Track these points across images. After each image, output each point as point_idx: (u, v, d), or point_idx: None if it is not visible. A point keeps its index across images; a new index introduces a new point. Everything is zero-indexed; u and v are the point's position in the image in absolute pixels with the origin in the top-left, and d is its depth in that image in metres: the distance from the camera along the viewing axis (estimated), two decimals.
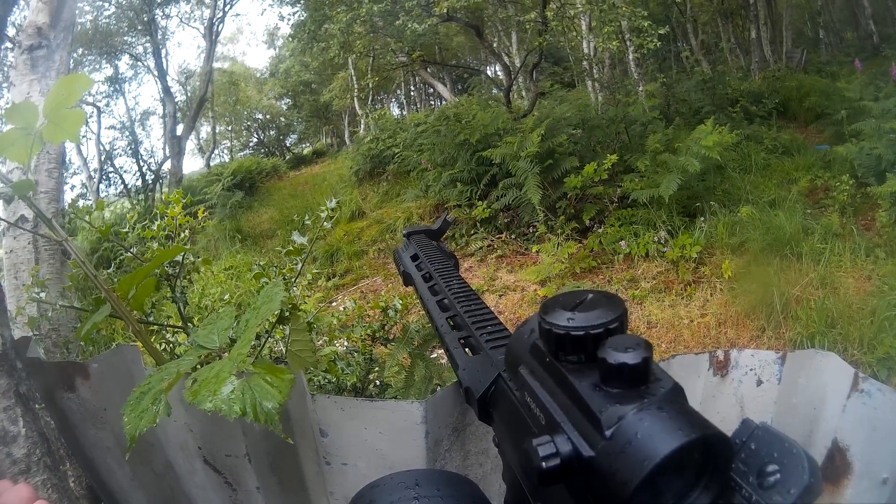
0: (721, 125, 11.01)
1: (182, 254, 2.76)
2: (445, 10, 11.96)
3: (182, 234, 2.98)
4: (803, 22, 29.45)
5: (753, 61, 21.74)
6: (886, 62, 13.64)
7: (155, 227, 2.92)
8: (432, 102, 37.30)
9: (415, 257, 1.59)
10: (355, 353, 3.67)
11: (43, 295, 2.39)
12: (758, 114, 15.21)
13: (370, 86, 24.03)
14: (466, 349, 1.11)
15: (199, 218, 3.16)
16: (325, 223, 2.90)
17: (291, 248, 2.86)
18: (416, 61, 16.65)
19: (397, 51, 16.18)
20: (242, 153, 38.89)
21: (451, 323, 1.22)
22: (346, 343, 3.83)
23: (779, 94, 16.40)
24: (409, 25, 12.10)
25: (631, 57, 14.75)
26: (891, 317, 6.47)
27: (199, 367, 1.29)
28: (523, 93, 18.99)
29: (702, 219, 9.61)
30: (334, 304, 8.94)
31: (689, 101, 15.90)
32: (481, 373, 0.97)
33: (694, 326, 7.58)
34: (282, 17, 19.02)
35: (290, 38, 17.74)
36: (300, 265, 2.94)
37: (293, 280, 3.00)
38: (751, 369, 1.35)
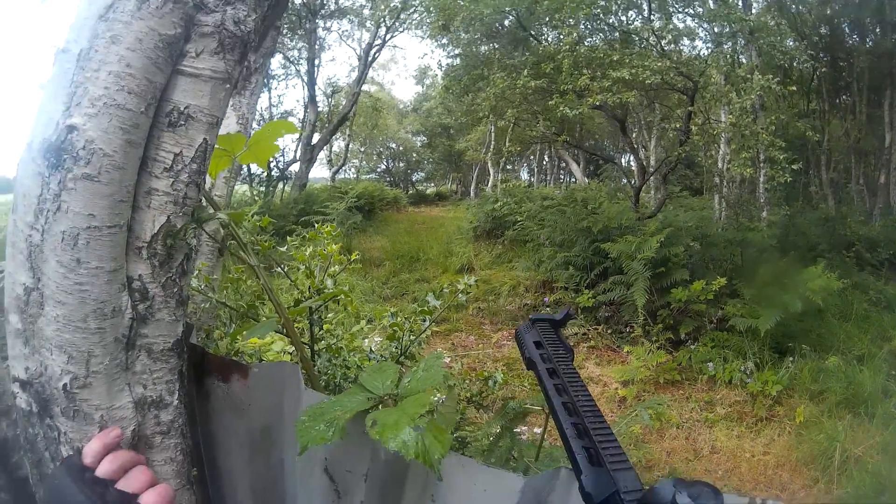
0: (831, 270, 11.04)
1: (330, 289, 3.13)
2: (598, 102, 12.31)
3: (334, 269, 3.42)
4: None
5: (877, 206, 21.31)
6: None
7: (308, 253, 3.28)
8: (562, 177, 37.16)
9: (538, 345, 1.61)
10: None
11: (210, 293, 2.75)
12: (870, 261, 14.97)
13: (506, 148, 24.20)
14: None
15: (352, 259, 3.48)
16: (460, 295, 3.38)
17: (425, 308, 3.37)
18: (560, 141, 16.85)
19: (544, 125, 16.33)
20: (368, 175, 39.39)
21: (577, 431, 1.27)
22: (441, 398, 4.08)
23: (895, 245, 16.19)
24: (561, 108, 12.41)
25: (761, 180, 14.76)
26: None
27: (371, 408, 1.69)
28: (651, 190, 19.02)
29: (790, 358, 9.56)
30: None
31: (808, 235, 15.70)
32: (602, 485, 1.14)
33: (754, 462, 7.60)
34: (440, 66, 19.46)
35: (444, 89, 18.04)
36: (428, 323, 3.45)
37: (420, 336, 3.51)
38: None
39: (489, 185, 29.83)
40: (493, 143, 27.45)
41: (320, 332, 3.57)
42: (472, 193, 33.40)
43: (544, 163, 37.95)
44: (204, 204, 1.71)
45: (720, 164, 16.09)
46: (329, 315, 3.89)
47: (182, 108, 1.51)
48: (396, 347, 3.54)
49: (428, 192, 41.32)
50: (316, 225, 3.60)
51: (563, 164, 33.73)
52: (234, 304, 2.93)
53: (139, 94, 1.41)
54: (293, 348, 3.37)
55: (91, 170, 1.37)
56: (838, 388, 8.70)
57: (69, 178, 1.37)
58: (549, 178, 37.90)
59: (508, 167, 35.48)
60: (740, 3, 16.66)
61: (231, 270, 3.37)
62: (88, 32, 1.42)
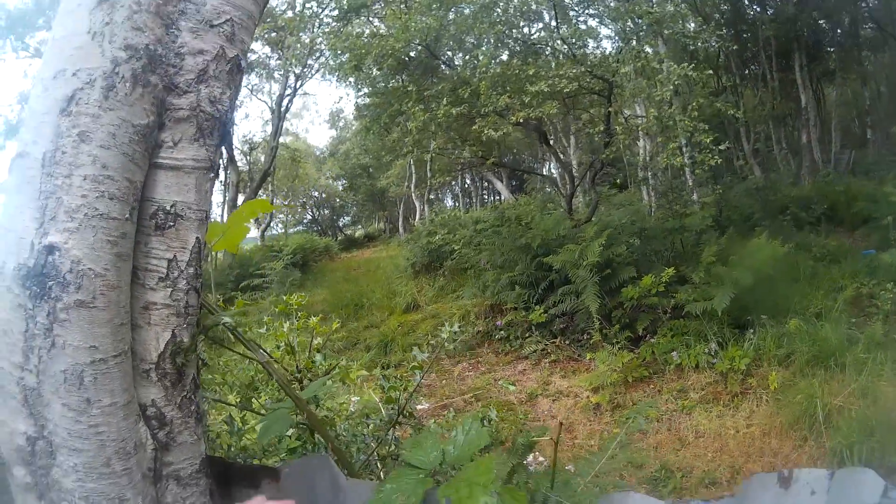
0: (773, 237, 11.29)
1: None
2: (521, 120, 12.35)
3: (317, 342, 3.34)
4: (851, 119, 29.49)
5: (803, 165, 21.82)
6: None
7: (286, 329, 3.34)
8: (486, 197, 37.52)
9: None
10: None
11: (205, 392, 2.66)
12: (807, 220, 15.35)
13: (432, 181, 24.26)
14: None
15: (334, 328, 3.60)
16: (447, 344, 3.33)
17: (416, 364, 3.36)
18: (488, 165, 16.87)
19: (470, 151, 16.39)
20: (295, 228, 39.31)
21: None
22: None
23: (827, 199, 16.54)
24: (486, 131, 12.44)
25: (688, 163, 14.95)
26: None
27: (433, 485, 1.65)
28: (580, 195, 19.16)
29: (751, 331, 9.69)
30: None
31: (741, 208, 16.08)
32: None
33: (739, 437, 7.68)
34: (357, 108, 19.49)
35: (365, 130, 18.04)
36: (419, 378, 3.42)
37: (413, 390, 3.45)
38: (807, 483, 1.66)
39: (417, 218, 29.86)
40: (414, 175, 27.57)
41: (317, 410, 3.45)
42: (400, 230, 33.37)
43: (467, 186, 38.24)
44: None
45: (644, 157, 16.26)
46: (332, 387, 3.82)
47: (168, 207, 1.37)
48: (393, 408, 3.51)
49: (357, 234, 41.19)
50: (258, 292, 3.53)
51: (487, 184, 33.99)
52: (226, 398, 2.97)
53: (121, 198, 1.26)
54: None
55: (84, 295, 1.22)
56: (804, 348, 8.89)
57: (59, 307, 1.23)
58: (474, 200, 38.21)
59: (432, 196, 35.62)
60: None
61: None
62: (50, 131, 1.27)
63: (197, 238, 1.41)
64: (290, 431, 3.21)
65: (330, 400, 3.81)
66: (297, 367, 3.16)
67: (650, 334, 10.72)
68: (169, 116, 1.37)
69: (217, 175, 1.50)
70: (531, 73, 12.04)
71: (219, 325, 1.65)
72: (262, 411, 2.83)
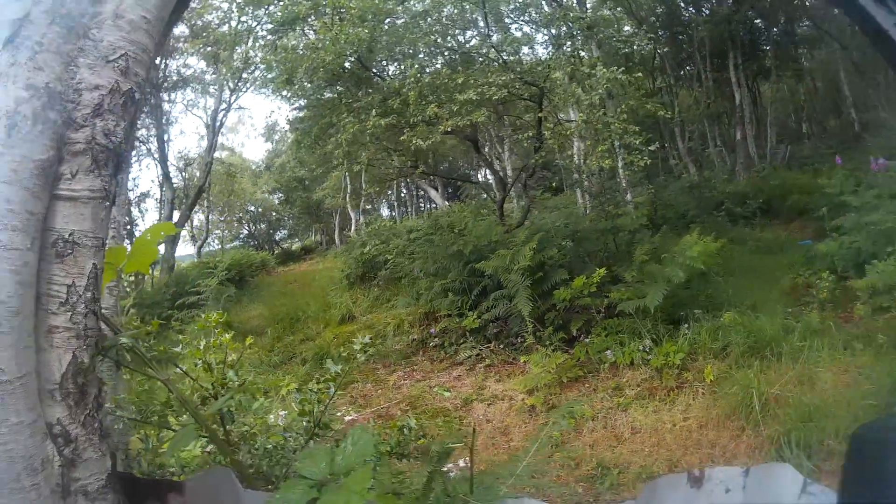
0: (706, 233, 11.37)
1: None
2: (449, 128, 12.40)
3: (231, 358, 3.39)
4: (787, 114, 30.00)
5: (738, 161, 22.13)
6: (868, 152, 13.97)
7: (202, 347, 3.34)
8: (422, 205, 37.41)
9: None
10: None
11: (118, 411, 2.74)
12: (742, 214, 15.66)
13: (365, 191, 24.20)
14: None
15: (247, 344, 3.57)
16: (359, 356, 3.40)
17: (329, 376, 3.44)
18: (418, 174, 16.89)
19: (399, 161, 16.41)
20: (232, 244, 38.85)
21: None
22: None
23: (763, 194, 16.84)
24: (414, 141, 12.47)
25: (620, 164, 15.09)
26: (866, 405, 6.76)
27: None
28: (514, 200, 19.24)
29: (685, 326, 9.79)
30: (339, 414, 9.13)
31: (676, 206, 16.31)
32: None
33: (676, 430, 7.71)
34: (288, 121, 19.42)
35: (296, 143, 17.94)
36: (333, 390, 3.50)
37: (328, 402, 3.56)
38: (721, 481, 1.71)
39: (352, 229, 29.53)
40: (349, 186, 27.45)
41: (232, 426, 3.48)
42: (337, 241, 33.19)
43: (402, 195, 38.12)
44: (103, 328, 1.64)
45: (577, 160, 16.40)
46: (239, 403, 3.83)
47: (66, 236, 1.44)
48: (308, 421, 3.59)
49: (294, 248, 40.58)
50: (194, 310, 3.58)
51: (422, 193, 33.89)
52: (144, 417, 2.99)
53: (23, 230, 1.33)
54: (211, 445, 3.31)
55: None
56: (739, 339, 8.97)
57: None
58: (409, 209, 38.14)
59: (368, 206, 35.48)
60: (576, 2, 17.06)
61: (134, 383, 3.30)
62: None
63: (94, 264, 1.48)
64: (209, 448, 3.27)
65: (252, 415, 3.85)
66: (211, 385, 3.18)
67: (584, 334, 10.75)
68: (67, 150, 1.43)
69: (113, 203, 1.57)
70: (460, 81, 12.13)
71: (117, 346, 1.71)
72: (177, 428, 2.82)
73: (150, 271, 25.01)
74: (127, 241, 21.19)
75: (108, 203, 1.52)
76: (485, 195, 20.12)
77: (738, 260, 12.68)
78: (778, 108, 28.38)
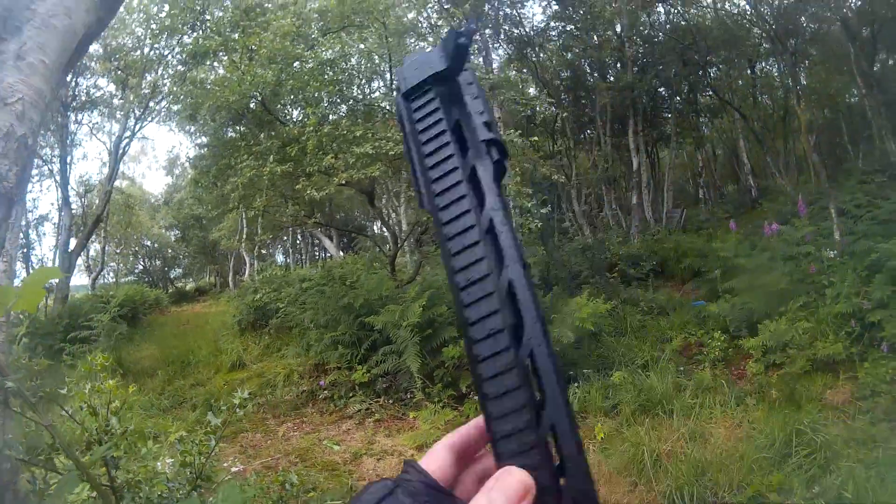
0: (596, 295, 11.73)
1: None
2: (345, 181, 12.39)
3: (115, 403, 3.29)
4: (685, 180, 30.83)
5: (634, 224, 22.60)
6: (763, 217, 14.51)
7: (87, 391, 3.20)
8: (317, 254, 37.31)
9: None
10: None
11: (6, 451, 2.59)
12: (636, 276, 15.96)
13: (259, 237, 24.08)
14: None
15: (130, 391, 3.45)
16: (237, 409, 3.36)
17: (209, 429, 3.47)
18: (311, 224, 16.84)
19: (292, 210, 16.35)
20: (127, 279, 38.11)
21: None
22: None
23: (657, 256, 17.29)
24: (309, 191, 12.43)
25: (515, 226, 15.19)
26: (759, 458, 6.99)
27: None
28: (407, 255, 19.30)
29: (576, 384, 9.94)
30: (226, 465, 8.98)
31: (569, 267, 16.38)
32: None
33: None
34: (188, 159, 19.20)
35: (193, 182, 17.72)
36: (214, 442, 3.48)
37: (210, 454, 3.53)
38: None
39: (246, 273, 29.43)
40: (245, 229, 27.27)
41: (117, 472, 3.39)
42: (231, 285, 32.85)
43: (298, 243, 37.96)
44: None
45: None
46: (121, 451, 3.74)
47: None
48: (191, 472, 3.53)
49: (188, 288, 40.20)
50: (86, 344, 3.57)
51: (317, 241, 33.79)
52: (32, 458, 2.85)
53: None
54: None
55: None
56: (629, 398, 9.17)
57: None
58: (304, 257, 38.00)
59: (264, 251, 35.22)
60: (482, 62, 17.26)
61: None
62: None
63: None
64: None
65: (139, 462, 3.77)
66: (95, 430, 3.11)
67: (473, 392, 10.66)
68: None
69: (2, 247, 1.53)
70: (358, 133, 12.17)
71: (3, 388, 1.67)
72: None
73: (45, 300, 24.41)
74: (22, 264, 20.61)
75: None
76: (378, 248, 20.14)
77: (630, 320, 12.86)
78: (676, 174, 29.21)
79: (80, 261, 28.79)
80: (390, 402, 11.53)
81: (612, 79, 24.98)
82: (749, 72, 26.31)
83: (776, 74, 26.66)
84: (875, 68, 21.04)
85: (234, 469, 8.83)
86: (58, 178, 25.71)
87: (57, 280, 23.40)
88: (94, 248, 33.96)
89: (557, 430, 0.70)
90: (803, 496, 6.30)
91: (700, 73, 24.91)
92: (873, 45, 20.31)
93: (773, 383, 9.06)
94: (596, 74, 25.81)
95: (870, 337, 9.14)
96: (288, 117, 15.62)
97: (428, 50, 1.00)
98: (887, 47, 22.06)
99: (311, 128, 12.61)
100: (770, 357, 9.61)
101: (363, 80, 15.38)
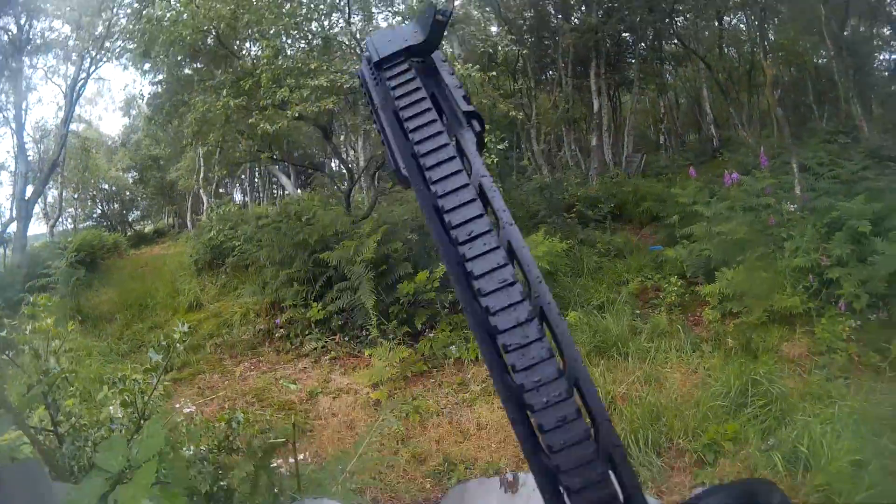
0: (553, 233, 11.76)
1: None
2: (297, 114, 12.17)
3: (56, 344, 3.18)
4: (646, 126, 30.77)
5: (592, 166, 22.64)
6: (723, 167, 14.34)
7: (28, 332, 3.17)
8: (275, 192, 37.10)
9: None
10: (205, 462, 3.71)
11: None
12: (593, 218, 15.87)
13: (214, 174, 23.76)
14: None
15: (70, 330, 3.53)
16: (178, 345, 3.23)
17: (149, 366, 3.32)
18: (264, 158, 16.67)
19: (246, 145, 16.12)
20: (85, 224, 37.63)
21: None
22: (192, 449, 3.84)
23: (615, 199, 17.18)
24: (262, 125, 12.20)
25: None
26: (715, 406, 7.01)
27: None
28: (364, 191, 19.19)
29: None
30: (178, 406, 8.91)
31: (527, 206, 16.41)
32: None
33: None
34: (141, 96, 18.90)
35: (147, 119, 17.46)
36: (156, 381, 3.36)
37: (150, 395, 3.38)
38: (535, 487, 1.63)
39: (204, 213, 28.93)
40: (202, 169, 26.93)
41: (59, 416, 3.27)
42: (189, 225, 32.13)
43: (255, 181, 37.71)
44: None
45: None
46: (69, 391, 3.60)
47: None
48: (133, 412, 3.39)
49: (146, 230, 39.29)
50: (45, 293, 3.45)
51: (275, 180, 33.61)
52: None
53: None
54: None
55: None
56: (584, 338, 9.18)
57: None
58: (262, 195, 37.75)
59: (221, 191, 34.91)
60: None
61: None
62: None
63: None
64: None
65: (85, 407, 3.63)
66: (34, 371, 2.99)
67: (429, 329, 10.88)
68: None
69: None
70: (313, 66, 12.01)
71: None
72: None
73: (3, 251, 24.13)
74: None
75: None
76: (336, 185, 20.00)
77: (586, 262, 12.86)
78: (638, 119, 29.16)
79: (37, 208, 28.43)
80: (346, 339, 11.56)
81: (576, 21, 24.82)
82: (717, 24, 26.12)
83: (744, 28, 26.60)
84: (846, 33, 21.02)
85: (185, 410, 8.76)
86: (13, 125, 25.29)
87: (14, 228, 23.17)
88: (52, 194, 33.52)
89: (581, 385, 0.71)
90: (758, 447, 6.35)
91: (666, 20, 24.73)
92: (846, 8, 20.23)
93: (729, 332, 9.11)
94: (560, 16, 25.61)
95: (827, 293, 9.24)
96: (245, 53, 15.36)
97: (401, 24, 1.10)
98: (859, 13, 22.06)
99: (266, 61, 12.44)
100: (727, 305, 9.68)
101: (321, 15, 15.07)
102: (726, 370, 7.70)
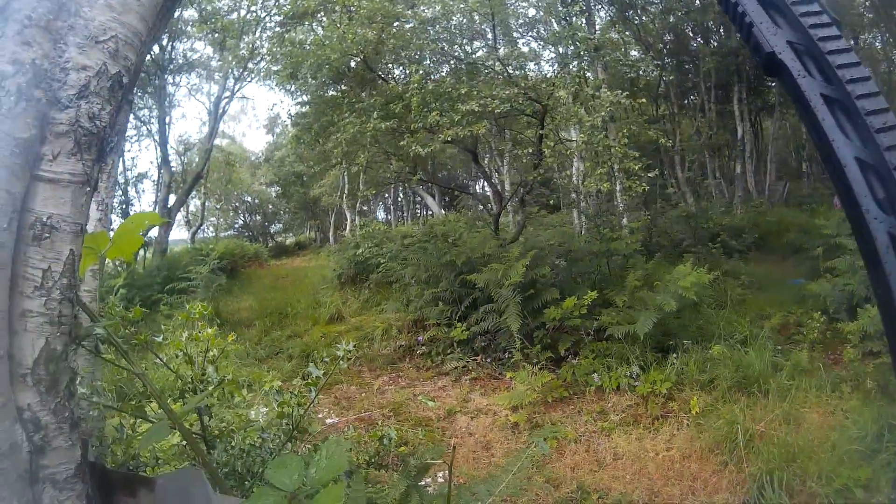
0: (699, 264, 11.37)
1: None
2: (450, 138, 12.32)
3: (212, 353, 3.35)
4: (788, 152, 30.10)
5: (737, 195, 22.18)
6: None
7: (185, 339, 3.31)
8: (419, 211, 37.35)
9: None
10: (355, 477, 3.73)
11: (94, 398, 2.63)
12: (737, 248, 15.58)
13: (361, 193, 24.16)
14: None
15: (229, 340, 3.56)
16: (340, 362, 3.35)
17: (310, 380, 3.38)
18: (415, 180, 16.88)
19: (396, 166, 16.36)
20: (227, 233, 38.71)
21: None
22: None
23: (759, 229, 16.86)
24: (413, 147, 12.32)
25: (619, 188, 15.06)
26: (850, 450, 6.73)
27: None
28: (510, 214, 19.22)
29: (674, 355, 9.73)
30: (320, 416, 9.05)
31: (671, 234, 16.23)
32: None
33: (659, 459, 7.64)
34: (290, 116, 19.36)
35: (295, 139, 17.85)
36: (314, 394, 3.44)
37: (308, 406, 3.52)
38: None
39: (347, 228, 29.81)
40: (346, 186, 27.35)
41: (210, 421, 3.42)
42: (331, 240, 33.23)
43: (399, 200, 38.01)
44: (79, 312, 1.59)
45: (575, 181, 16.33)
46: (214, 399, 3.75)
47: (45, 219, 1.39)
48: (287, 423, 3.51)
49: (287, 242, 40.73)
50: (184, 295, 3.55)
51: (419, 199, 33.86)
52: (121, 405, 2.88)
53: (1, 209, 1.29)
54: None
55: None
56: (727, 373, 8.95)
57: None
58: (405, 214, 38.06)
59: (365, 208, 35.39)
60: (584, 23, 17.05)
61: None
62: None
63: (71, 250, 1.43)
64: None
65: (232, 411, 3.79)
66: (190, 378, 3.13)
67: (572, 355, 10.73)
68: (50, 130, 1.39)
69: (94, 189, 1.52)
70: (463, 91, 12.07)
71: (93, 335, 1.67)
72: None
73: (144, 253, 24.96)
74: (120, 220, 21.01)
75: (89, 188, 1.47)
76: (481, 207, 20.08)
77: (730, 293, 12.55)
78: (779, 145, 28.44)
79: (179, 216, 29.35)
80: (487, 360, 11.55)
81: (715, 44, 24.48)
82: (852, 42, 25.42)
83: (879, 47, 25.84)
84: None
85: (329, 421, 8.93)
86: (156, 137, 26.32)
87: (156, 233, 23.95)
88: (194, 203, 34.59)
89: None
90: (889, 495, 6.02)
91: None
92: None
93: (868, 372, 8.67)
94: (699, 38, 25.29)
95: None
96: (390, 75, 15.62)
97: None
98: None
99: (415, 85, 12.55)
100: (868, 344, 9.25)
101: (464, 41, 15.22)
102: (864, 413, 7.45)
